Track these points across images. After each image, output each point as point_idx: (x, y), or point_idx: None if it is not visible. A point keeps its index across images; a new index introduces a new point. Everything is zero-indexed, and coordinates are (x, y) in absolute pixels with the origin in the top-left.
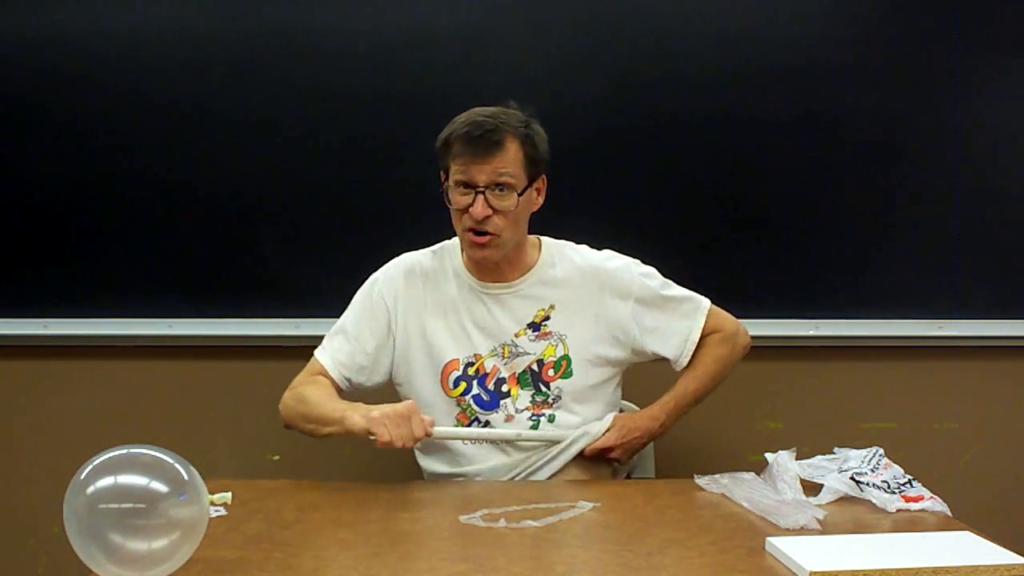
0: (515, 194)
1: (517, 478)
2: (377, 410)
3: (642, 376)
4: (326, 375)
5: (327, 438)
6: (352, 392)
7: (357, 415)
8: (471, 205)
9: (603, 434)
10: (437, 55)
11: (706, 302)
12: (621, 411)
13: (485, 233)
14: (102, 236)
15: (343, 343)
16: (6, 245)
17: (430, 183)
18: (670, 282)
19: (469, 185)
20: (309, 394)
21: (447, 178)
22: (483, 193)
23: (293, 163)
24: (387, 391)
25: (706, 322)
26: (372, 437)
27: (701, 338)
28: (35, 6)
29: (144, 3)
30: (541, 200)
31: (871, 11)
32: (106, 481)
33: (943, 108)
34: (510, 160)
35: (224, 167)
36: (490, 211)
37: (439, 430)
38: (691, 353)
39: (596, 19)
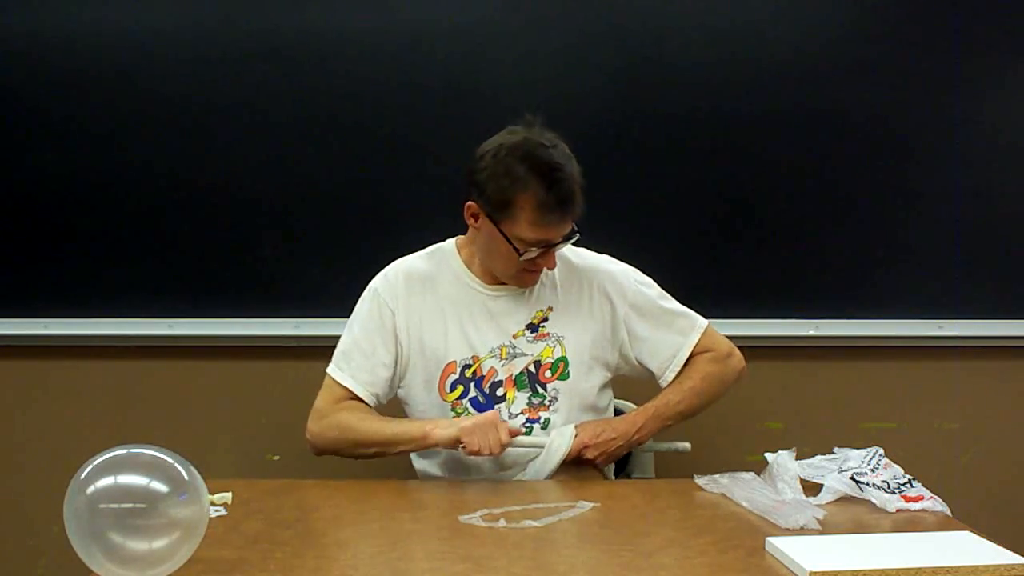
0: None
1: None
2: (468, 420)
3: (641, 382)
4: (354, 397)
5: (391, 456)
6: (379, 408)
7: (440, 429)
8: (540, 257)
9: (574, 437)
10: (439, 54)
11: (703, 321)
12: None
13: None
14: (102, 236)
15: (362, 361)
16: (6, 245)
17: (432, 183)
18: (668, 296)
19: (547, 245)
20: (356, 422)
21: (498, 222)
22: (555, 246)
23: (294, 163)
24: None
25: (699, 342)
26: (461, 446)
27: (692, 356)
28: (35, 6)
29: (144, 2)
30: None
31: (872, 10)
32: (106, 481)
33: (943, 108)
34: (576, 214)
35: (224, 167)
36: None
37: (517, 439)
38: (676, 370)
39: (596, 16)
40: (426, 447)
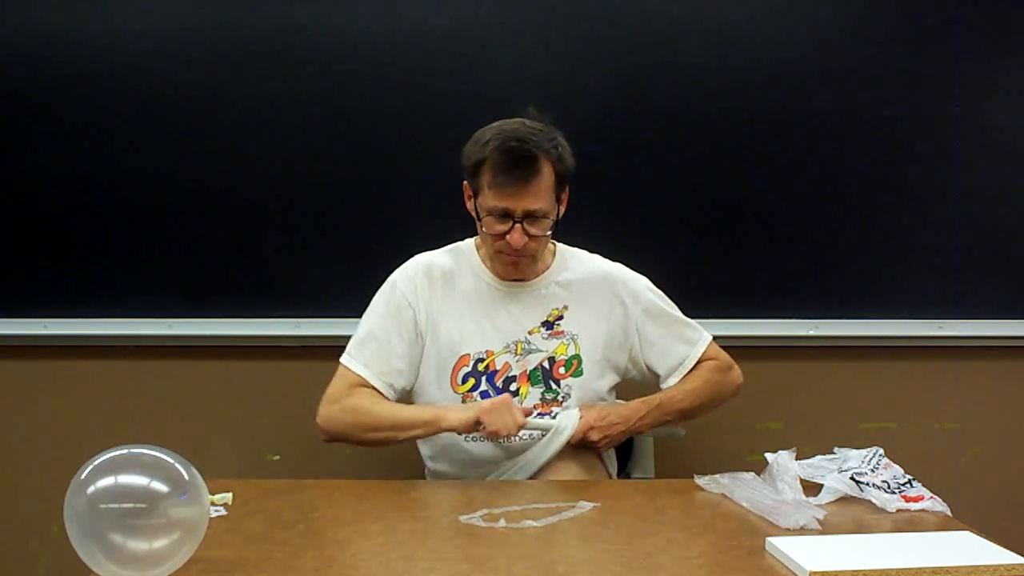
0: (549, 220)
1: (513, 470)
2: (486, 402)
3: (641, 386)
4: (367, 385)
5: (404, 442)
6: (394, 398)
7: (454, 412)
8: (507, 233)
9: (579, 419)
10: (440, 53)
11: (708, 335)
12: None
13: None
14: (102, 236)
15: (375, 349)
16: (6, 245)
17: (432, 183)
18: (676, 307)
19: (506, 215)
20: (368, 405)
21: (475, 195)
22: (520, 223)
23: (294, 162)
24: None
25: (705, 352)
26: (481, 426)
27: (697, 364)
28: (35, 6)
29: (145, 2)
30: (563, 209)
31: (872, 10)
32: (106, 481)
33: (943, 108)
34: (544, 187)
35: (224, 167)
36: (526, 239)
37: (530, 420)
38: (681, 376)
39: (597, 16)
40: (439, 431)
